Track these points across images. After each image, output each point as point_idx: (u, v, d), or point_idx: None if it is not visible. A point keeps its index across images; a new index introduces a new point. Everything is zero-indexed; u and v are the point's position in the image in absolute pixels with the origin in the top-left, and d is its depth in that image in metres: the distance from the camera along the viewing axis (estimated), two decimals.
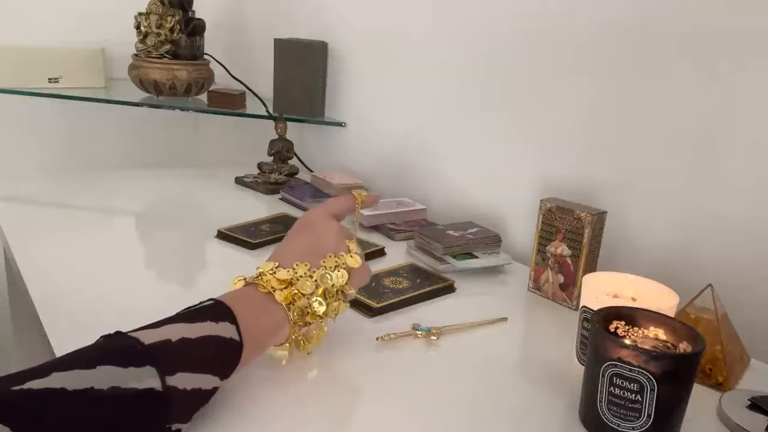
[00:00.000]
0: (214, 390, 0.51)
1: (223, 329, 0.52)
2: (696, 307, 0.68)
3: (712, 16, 0.75)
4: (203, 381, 0.48)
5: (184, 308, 0.54)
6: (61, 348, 0.60)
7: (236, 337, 0.52)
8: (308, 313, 0.59)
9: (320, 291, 0.60)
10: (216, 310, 0.53)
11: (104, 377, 0.42)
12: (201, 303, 0.55)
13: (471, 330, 0.73)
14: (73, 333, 0.63)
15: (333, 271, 0.61)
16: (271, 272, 0.59)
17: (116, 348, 0.46)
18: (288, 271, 0.59)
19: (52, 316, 0.67)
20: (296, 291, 0.58)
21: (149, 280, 0.81)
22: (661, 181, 0.83)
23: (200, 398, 0.49)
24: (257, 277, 0.59)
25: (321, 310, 0.59)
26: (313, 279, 0.59)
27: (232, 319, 0.53)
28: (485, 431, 0.55)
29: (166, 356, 0.46)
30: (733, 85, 0.75)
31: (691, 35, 0.78)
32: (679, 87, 0.80)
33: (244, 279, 0.60)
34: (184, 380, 0.46)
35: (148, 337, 0.47)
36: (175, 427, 0.46)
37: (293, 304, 0.58)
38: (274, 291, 0.58)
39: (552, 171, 0.97)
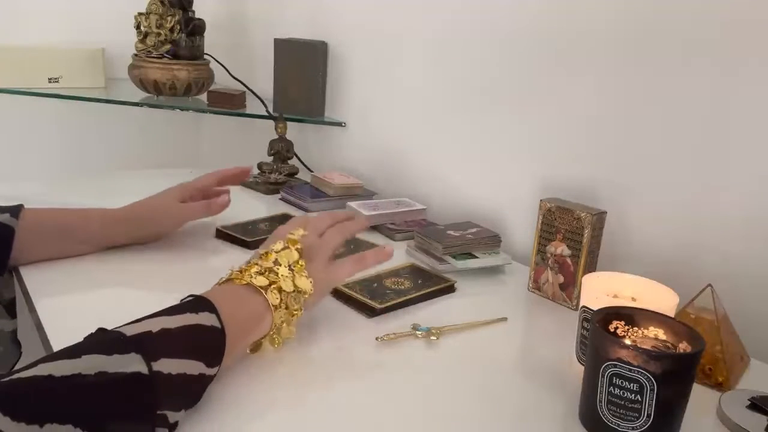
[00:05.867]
0: (201, 377, 0.50)
1: (204, 318, 0.53)
2: (696, 307, 0.68)
3: (714, 16, 0.75)
4: (188, 366, 0.49)
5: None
6: (52, 327, 0.63)
7: (217, 324, 0.53)
8: (284, 291, 0.62)
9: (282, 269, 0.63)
10: (195, 303, 0.55)
11: (90, 364, 0.43)
12: (181, 300, 0.57)
13: (471, 330, 0.73)
14: (68, 323, 0.63)
15: (280, 251, 0.64)
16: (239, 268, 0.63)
17: (100, 340, 0.47)
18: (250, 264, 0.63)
19: (50, 309, 0.68)
20: (272, 276, 0.62)
21: (147, 278, 0.81)
22: (662, 181, 0.83)
23: (188, 385, 0.49)
24: (230, 274, 0.62)
25: (287, 284, 0.62)
26: (270, 259, 0.63)
27: (211, 308, 0.54)
28: (485, 431, 0.55)
29: (148, 344, 0.47)
30: (733, 85, 0.75)
31: (692, 35, 0.78)
32: (679, 87, 0.80)
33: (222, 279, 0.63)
34: (168, 365, 0.47)
35: (129, 330, 0.48)
36: (170, 417, 0.46)
37: (270, 288, 0.61)
38: (252, 279, 0.60)
39: (552, 171, 0.97)
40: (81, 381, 0.42)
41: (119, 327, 0.49)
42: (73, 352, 0.44)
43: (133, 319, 0.51)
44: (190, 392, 0.50)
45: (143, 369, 0.45)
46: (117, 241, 0.85)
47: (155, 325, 0.49)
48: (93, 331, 0.49)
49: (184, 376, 0.48)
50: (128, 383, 0.44)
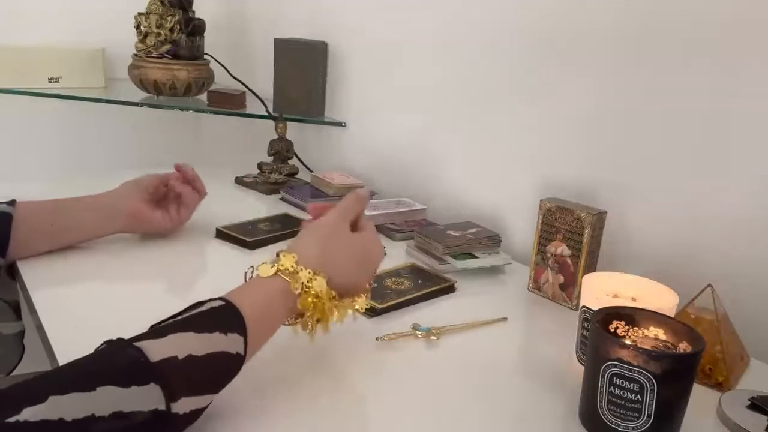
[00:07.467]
0: (207, 406, 0.50)
1: (231, 343, 0.50)
2: (696, 307, 0.68)
3: (714, 16, 0.75)
4: (203, 401, 0.48)
5: (193, 304, 0.52)
6: (59, 340, 0.61)
7: (242, 351, 0.51)
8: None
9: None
10: (226, 317, 0.51)
11: (105, 400, 0.41)
12: (210, 303, 0.52)
13: (471, 330, 0.73)
14: (68, 322, 0.63)
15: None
16: (310, 279, 0.57)
17: (118, 362, 0.44)
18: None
19: (51, 310, 0.68)
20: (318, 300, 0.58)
21: (148, 278, 0.81)
22: (661, 181, 0.83)
23: (194, 417, 0.48)
24: (289, 271, 0.57)
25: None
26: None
27: (241, 329, 0.51)
28: (485, 431, 0.55)
29: (171, 377, 0.44)
30: (733, 85, 0.75)
31: (692, 35, 0.78)
32: (679, 87, 0.80)
33: (275, 267, 0.57)
34: (186, 404, 0.45)
35: (153, 351, 0.45)
36: None
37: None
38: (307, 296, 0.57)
39: (552, 171, 0.97)
40: (93, 427, 0.40)
41: (142, 339, 0.46)
42: (87, 378, 0.42)
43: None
44: (193, 421, 0.49)
45: (161, 406, 0.43)
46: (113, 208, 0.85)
47: (182, 348, 0.46)
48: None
49: (196, 410, 0.47)
50: (145, 426, 0.42)
